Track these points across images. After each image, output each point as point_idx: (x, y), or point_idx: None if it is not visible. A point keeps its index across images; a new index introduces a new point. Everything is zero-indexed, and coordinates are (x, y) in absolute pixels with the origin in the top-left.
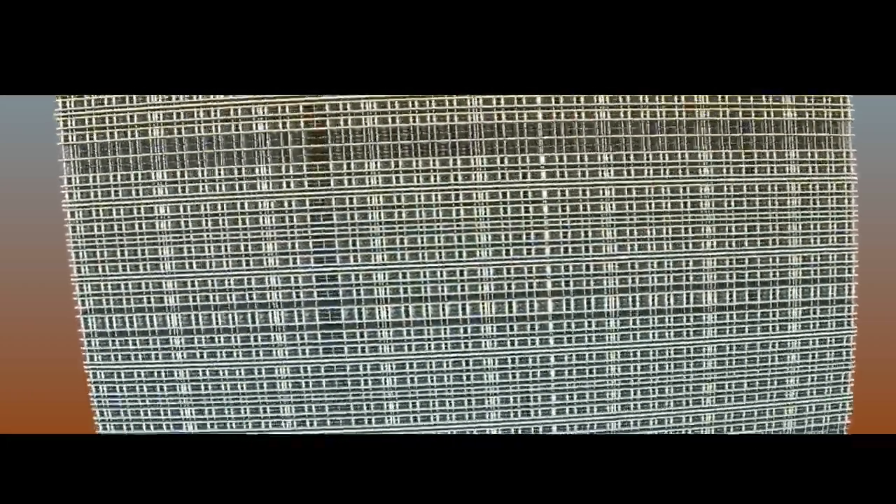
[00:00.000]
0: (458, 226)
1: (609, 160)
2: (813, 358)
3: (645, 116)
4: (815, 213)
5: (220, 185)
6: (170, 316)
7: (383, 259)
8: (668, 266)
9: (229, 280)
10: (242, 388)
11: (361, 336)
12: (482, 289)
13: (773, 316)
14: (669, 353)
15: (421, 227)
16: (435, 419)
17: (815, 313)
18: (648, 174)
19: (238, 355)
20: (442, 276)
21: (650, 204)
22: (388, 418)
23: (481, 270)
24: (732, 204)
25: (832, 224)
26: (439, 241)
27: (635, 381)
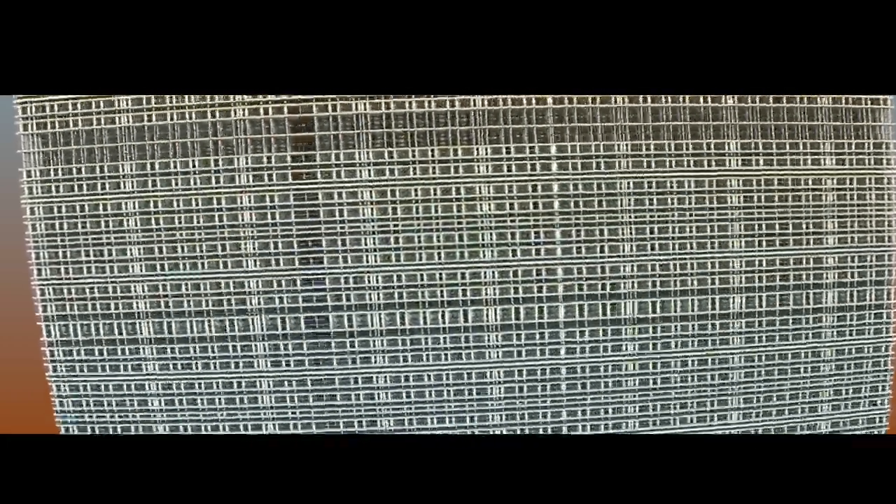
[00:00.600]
0: (458, 224)
1: (626, 150)
2: (849, 368)
3: (666, 101)
4: (852, 210)
5: (195, 179)
6: (140, 323)
7: (376, 260)
8: (692, 268)
9: (205, 284)
10: (220, 403)
11: (352, 345)
12: (486, 293)
13: (806, 322)
14: (693, 364)
15: (418, 224)
16: None
17: (851, 319)
18: (670, 166)
19: (215, 367)
20: (441, 279)
21: (672, 199)
22: None
23: (485, 273)
24: (762, 199)
25: (871, 222)
26: (438, 241)
27: (655, 394)
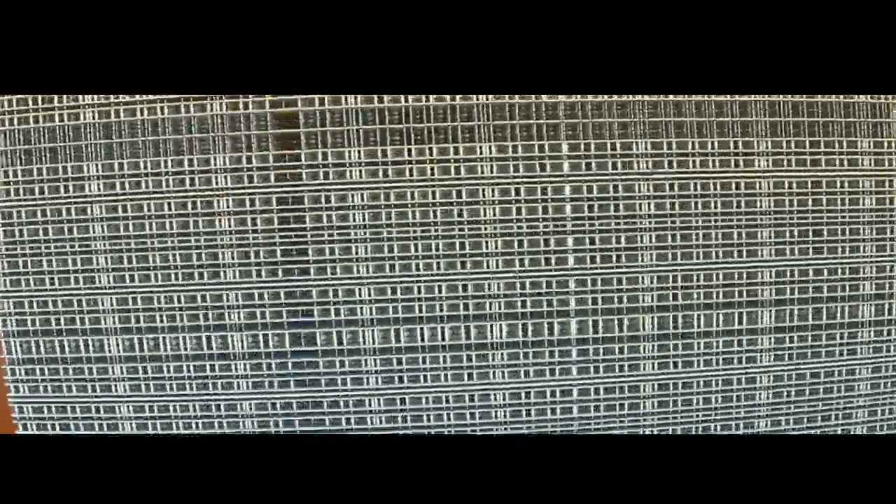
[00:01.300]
0: (460, 230)
1: (646, 149)
2: (886, 388)
3: (690, 95)
4: (891, 215)
5: (168, 181)
6: (109, 340)
7: (368, 271)
8: (717, 279)
9: (179, 297)
10: (198, 428)
11: (342, 365)
12: (490, 308)
13: (841, 338)
14: (717, 384)
15: (414, 231)
16: None
17: (889, 334)
18: (694, 166)
19: (191, 388)
20: (441, 291)
21: (696, 203)
22: None
23: (489, 285)
24: (794, 204)
25: None
26: (437, 249)
27: (675, 418)
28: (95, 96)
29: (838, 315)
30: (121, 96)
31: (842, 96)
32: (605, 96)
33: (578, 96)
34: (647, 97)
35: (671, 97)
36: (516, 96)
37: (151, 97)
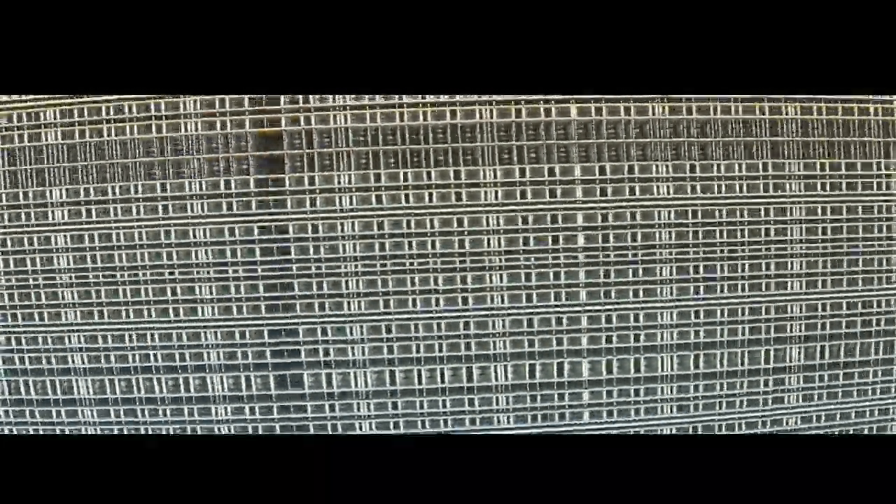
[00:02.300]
0: (461, 262)
1: (667, 172)
2: None
3: (715, 113)
4: None
5: (138, 208)
6: (77, 381)
7: (360, 307)
8: (743, 314)
9: (153, 335)
10: None
11: (332, 410)
12: (494, 347)
13: (874, 376)
14: (740, 428)
15: (411, 263)
16: None
17: None
18: (719, 191)
19: (168, 434)
20: (440, 329)
21: (721, 231)
22: None
23: (493, 322)
24: (828, 231)
25: None
26: (436, 284)
27: None
28: (58, 114)
29: (872, 352)
30: (85, 114)
31: (881, 112)
32: (623, 114)
33: (593, 113)
34: (668, 115)
35: (695, 115)
36: (523, 114)
37: (119, 116)
